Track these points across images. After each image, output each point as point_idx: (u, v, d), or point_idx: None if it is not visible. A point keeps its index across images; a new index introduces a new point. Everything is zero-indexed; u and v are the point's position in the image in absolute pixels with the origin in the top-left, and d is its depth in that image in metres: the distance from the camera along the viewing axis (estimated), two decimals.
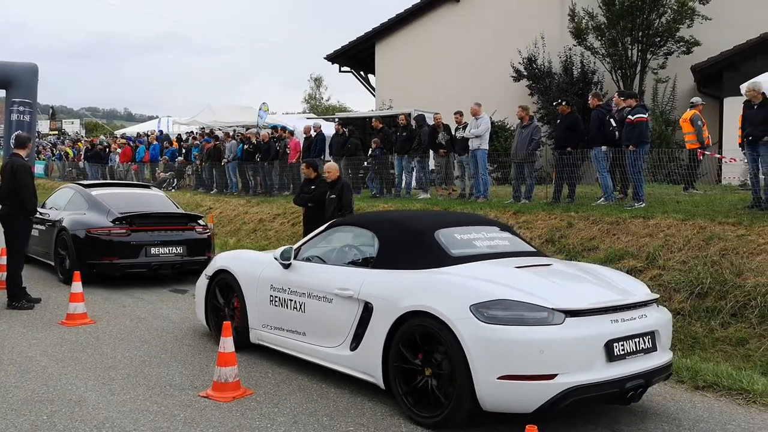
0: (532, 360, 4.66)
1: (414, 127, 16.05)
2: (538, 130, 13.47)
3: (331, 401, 5.54)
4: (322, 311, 6.06)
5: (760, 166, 10.18)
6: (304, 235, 10.97)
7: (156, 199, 12.34)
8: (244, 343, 6.83)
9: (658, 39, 20.00)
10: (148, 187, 14.22)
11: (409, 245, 5.92)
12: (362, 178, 17.35)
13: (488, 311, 4.81)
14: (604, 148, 11.91)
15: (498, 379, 4.70)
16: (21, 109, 18.02)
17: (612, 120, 12.01)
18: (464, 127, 14.31)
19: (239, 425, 4.99)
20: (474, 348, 4.74)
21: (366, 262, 6.12)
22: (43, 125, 57.90)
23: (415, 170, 16.02)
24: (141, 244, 10.55)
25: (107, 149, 29.13)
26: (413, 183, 16.29)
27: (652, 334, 5.24)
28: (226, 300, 7.30)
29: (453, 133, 14.86)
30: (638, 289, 5.60)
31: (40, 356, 6.73)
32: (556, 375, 4.67)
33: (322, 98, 63.93)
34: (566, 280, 5.65)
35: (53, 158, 36.57)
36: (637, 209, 10.78)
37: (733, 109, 14.15)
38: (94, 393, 5.65)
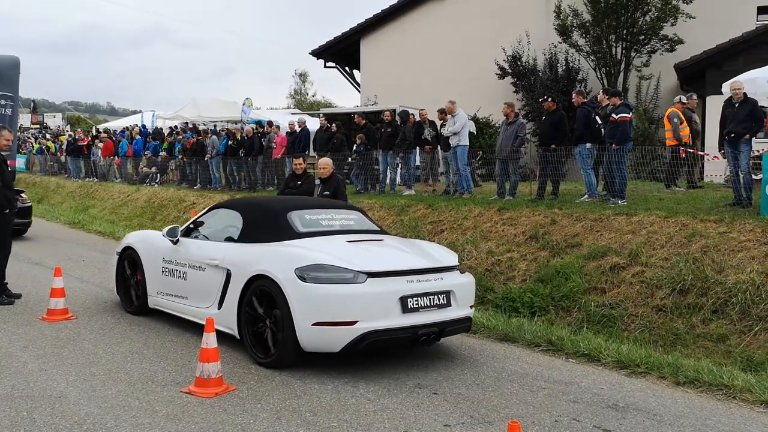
0: (337, 310, 6.00)
1: (399, 123, 16.04)
2: (523, 127, 13.51)
3: (314, 397, 5.53)
4: (198, 278, 7.40)
5: (740, 163, 10.28)
6: None
7: None
8: (143, 309, 8.31)
9: (642, 37, 20.14)
10: None
11: (265, 223, 7.33)
12: (347, 174, 17.32)
13: (307, 273, 6.11)
14: (588, 145, 11.96)
15: (312, 325, 6.01)
16: (2, 102, 17.77)
17: (597, 117, 12.07)
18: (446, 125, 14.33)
19: (222, 421, 4.96)
20: (295, 301, 6.06)
21: (233, 238, 7.45)
22: (25, 119, 57.26)
23: (399, 166, 16.01)
24: None
25: (95, 139, 28.81)
26: (398, 179, 16.28)
27: (447, 293, 6.55)
28: (132, 272, 8.62)
29: (438, 129, 14.87)
30: (446, 259, 6.97)
31: (20, 352, 6.67)
32: (356, 322, 5.99)
33: (308, 94, 63.71)
34: (382, 250, 7.05)
35: (34, 152, 36.21)
36: (620, 206, 10.84)
37: (715, 107, 14.25)
38: (75, 389, 5.60)
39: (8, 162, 9.39)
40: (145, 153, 25.17)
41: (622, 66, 20.66)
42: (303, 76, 63.75)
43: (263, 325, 6.43)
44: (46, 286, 9.20)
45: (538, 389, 5.92)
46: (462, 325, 6.81)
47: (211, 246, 7.54)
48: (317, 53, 27.84)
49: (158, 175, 23.70)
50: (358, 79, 27.97)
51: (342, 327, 5.99)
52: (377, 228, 7.99)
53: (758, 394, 5.75)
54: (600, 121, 11.99)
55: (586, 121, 12.04)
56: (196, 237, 7.96)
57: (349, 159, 17.20)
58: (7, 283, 9.10)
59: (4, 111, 17.29)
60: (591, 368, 6.69)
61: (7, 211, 8.93)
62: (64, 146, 31.66)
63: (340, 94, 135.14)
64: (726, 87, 11.91)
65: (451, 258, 7.09)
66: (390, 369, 6.38)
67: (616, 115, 11.39)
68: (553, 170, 12.50)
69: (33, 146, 37.27)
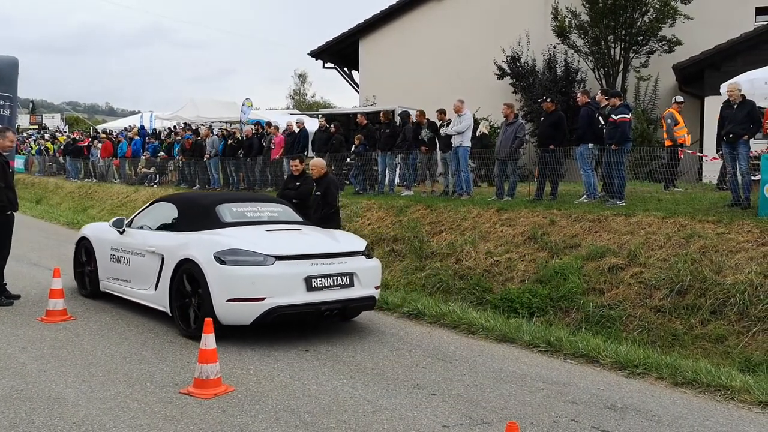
0: (248, 288, 6.98)
1: (398, 123, 16.04)
2: (522, 128, 13.50)
3: (313, 398, 5.53)
4: (139, 264, 8.36)
5: (738, 164, 10.28)
6: None
7: None
8: (96, 293, 9.26)
9: (641, 38, 20.14)
10: None
11: (196, 215, 8.31)
12: (346, 174, 17.32)
13: (224, 256, 7.09)
14: (590, 145, 11.96)
15: (227, 301, 7.00)
16: (1, 103, 17.78)
17: (601, 118, 12.06)
18: (448, 124, 14.33)
19: (220, 422, 4.97)
20: (213, 281, 7.04)
21: (169, 228, 8.40)
22: (24, 119, 57.25)
23: (398, 167, 16.01)
24: None
25: (94, 139, 28.79)
26: (396, 180, 16.29)
27: (350, 275, 7.50)
28: (87, 260, 9.56)
29: (438, 129, 14.87)
30: (351, 245, 8.00)
31: (19, 353, 6.66)
32: (265, 298, 6.98)
33: (307, 94, 63.66)
34: (294, 237, 7.99)
35: (33, 153, 36.19)
36: (618, 207, 10.85)
37: (714, 108, 14.24)
38: (73, 390, 5.60)
39: (9, 163, 9.38)
40: (144, 153, 25.15)
41: (621, 67, 20.66)
42: (303, 77, 63.73)
43: (189, 301, 7.42)
44: (45, 287, 9.19)
45: (536, 390, 5.92)
46: (365, 303, 7.78)
47: (150, 235, 8.55)
48: (316, 54, 27.81)
49: (157, 175, 23.69)
50: (357, 80, 27.96)
51: (252, 303, 7.01)
52: (299, 219, 8.97)
53: (756, 395, 5.76)
54: (603, 122, 11.99)
55: (589, 121, 12.03)
56: (140, 227, 8.91)
57: (348, 159, 17.20)
58: (5, 284, 9.10)
59: (3, 111, 17.26)
60: (589, 369, 6.69)
61: (9, 212, 8.93)
62: (62, 147, 31.63)
63: (339, 94, 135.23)
64: (724, 88, 11.91)
65: (357, 245, 8.09)
66: (388, 370, 6.39)
67: (616, 115, 11.38)
68: (552, 171, 12.51)
69: (32, 147, 37.27)
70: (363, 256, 7.88)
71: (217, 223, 8.04)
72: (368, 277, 7.76)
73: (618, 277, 8.92)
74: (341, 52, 28.02)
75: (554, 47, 21.53)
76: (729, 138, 10.40)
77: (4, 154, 9.04)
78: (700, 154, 14.55)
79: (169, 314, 7.64)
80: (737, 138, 10.28)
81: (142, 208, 9.53)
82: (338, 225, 10.12)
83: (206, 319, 5.81)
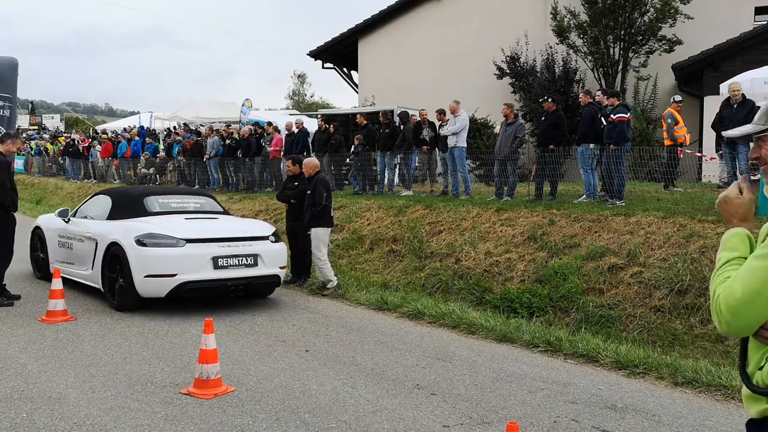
0: (161, 266, 8.29)
1: (397, 123, 16.04)
2: (522, 128, 13.49)
3: (313, 398, 5.54)
4: (79, 248, 9.59)
5: (738, 164, 10.29)
6: (287, 232, 11.02)
7: None
8: (48, 275, 9.79)
9: (640, 37, 20.14)
10: None
11: (126, 206, 9.67)
12: (345, 174, 17.32)
13: (142, 239, 8.44)
14: (592, 145, 11.96)
15: (145, 277, 8.31)
16: (0, 104, 17.81)
17: (603, 118, 12.06)
18: (446, 124, 14.33)
19: (221, 422, 4.97)
20: (133, 260, 8.35)
21: (105, 217, 9.57)
22: (23, 120, 57.23)
23: (397, 167, 16.01)
24: None
25: (93, 140, 28.76)
26: (396, 180, 16.28)
27: (254, 256, 8.78)
28: (40, 246, 10.76)
29: (437, 130, 14.88)
30: (258, 231, 9.25)
31: (19, 353, 6.67)
32: (176, 275, 8.28)
33: (306, 94, 63.62)
34: (208, 224, 9.32)
35: (33, 153, 36.17)
36: (618, 207, 10.85)
37: (713, 107, 14.26)
38: (74, 390, 5.60)
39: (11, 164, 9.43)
40: (144, 154, 25.14)
41: (620, 66, 20.66)
42: (302, 77, 63.71)
43: (115, 277, 8.68)
44: (45, 288, 9.20)
45: (536, 390, 5.93)
46: (269, 281, 9.09)
47: (89, 223, 9.72)
48: (315, 54, 27.79)
49: (157, 176, 23.69)
50: (356, 80, 27.96)
51: (165, 278, 8.30)
52: (219, 210, 10.35)
53: None
54: (604, 122, 11.99)
55: (592, 121, 12.03)
56: (84, 217, 10.09)
57: (348, 160, 17.19)
58: (5, 285, 9.10)
59: (3, 112, 17.28)
60: (589, 369, 6.69)
61: (11, 213, 8.98)
62: (62, 147, 31.61)
63: (338, 95, 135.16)
64: (724, 87, 11.93)
65: (263, 231, 9.33)
66: (388, 370, 6.40)
67: (614, 115, 11.39)
68: (552, 171, 12.51)
69: (31, 148, 37.25)
70: (268, 240, 9.12)
71: (143, 213, 9.44)
72: (272, 258, 8.99)
73: (618, 277, 8.92)
74: (340, 53, 28.01)
75: (552, 47, 21.52)
76: (729, 138, 10.40)
77: (7, 156, 9.09)
78: (699, 154, 14.54)
79: (102, 290, 8.98)
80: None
81: (85, 200, 10.98)
82: (326, 224, 10.16)
83: (206, 319, 5.81)
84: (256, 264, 8.77)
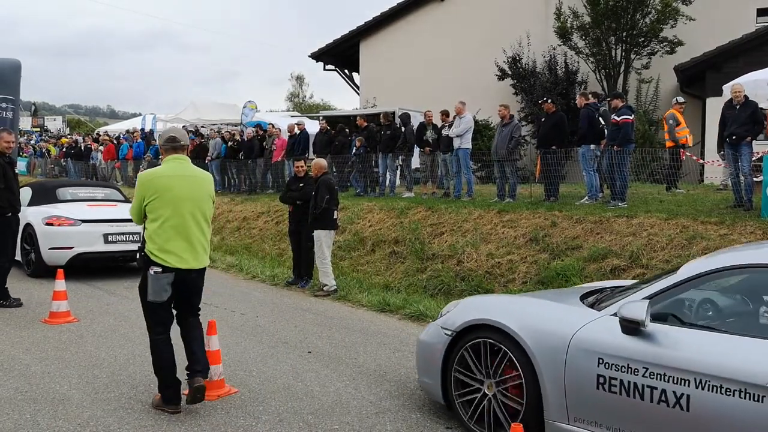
0: (62, 240, 10.81)
1: (399, 125, 16.04)
2: (518, 129, 13.43)
3: (316, 400, 5.54)
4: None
5: (741, 166, 10.29)
6: (290, 233, 11.03)
7: None
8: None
9: (642, 39, 20.16)
10: None
11: (42, 195, 12.05)
12: (349, 175, 17.32)
13: (48, 220, 10.89)
14: (592, 146, 11.97)
15: (49, 249, 10.82)
16: (3, 105, 17.79)
17: (601, 119, 12.07)
18: (450, 126, 14.34)
19: (224, 423, 4.98)
20: (40, 236, 10.84)
21: (28, 204, 11.33)
22: (26, 122, 57.34)
23: (399, 169, 16.01)
24: None
25: (95, 141, 28.78)
26: (397, 181, 16.29)
27: (139, 233, 10.04)
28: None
29: (440, 131, 14.87)
30: None
31: (23, 355, 6.68)
32: (73, 247, 10.83)
33: (305, 96, 63.64)
34: (104, 209, 11.63)
35: (35, 155, 36.19)
36: (620, 208, 10.86)
37: (715, 109, 14.27)
38: (77, 391, 5.61)
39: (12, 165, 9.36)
40: (146, 156, 25.14)
41: (622, 68, 20.68)
42: (300, 79, 63.78)
43: (29, 250, 11.06)
44: (48, 289, 9.21)
45: None
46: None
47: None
48: (317, 56, 27.84)
49: None
50: (357, 82, 27.99)
51: (65, 250, 10.81)
52: (122, 198, 12.85)
53: None
54: (603, 123, 11.99)
55: (590, 122, 12.04)
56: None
57: (350, 162, 17.20)
58: (7, 288, 9.07)
59: (5, 114, 17.31)
60: None
61: (9, 214, 8.91)
62: (64, 149, 31.64)
63: (340, 96, 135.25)
64: (727, 89, 11.92)
65: None
66: (391, 371, 6.40)
67: (618, 117, 11.39)
68: (553, 172, 12.51)
69: (33, 149, 37.28)
70: None
71: (54, 200, 11.91)
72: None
73: (620, 279, 8.91)
74: (342, 54, 28.06)
75: (554, 48, 21.54)
76: (732, 139, 10.41)
77: (6, 155, 9.01)
78: (703, 161, 14.50)
79: (22, 262, 11.21)
80: (740, 139, 10.29)
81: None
82: (327, 226, 10.15)
83: (209, 321, 5.83)
84: (138, 241, 9.90)
